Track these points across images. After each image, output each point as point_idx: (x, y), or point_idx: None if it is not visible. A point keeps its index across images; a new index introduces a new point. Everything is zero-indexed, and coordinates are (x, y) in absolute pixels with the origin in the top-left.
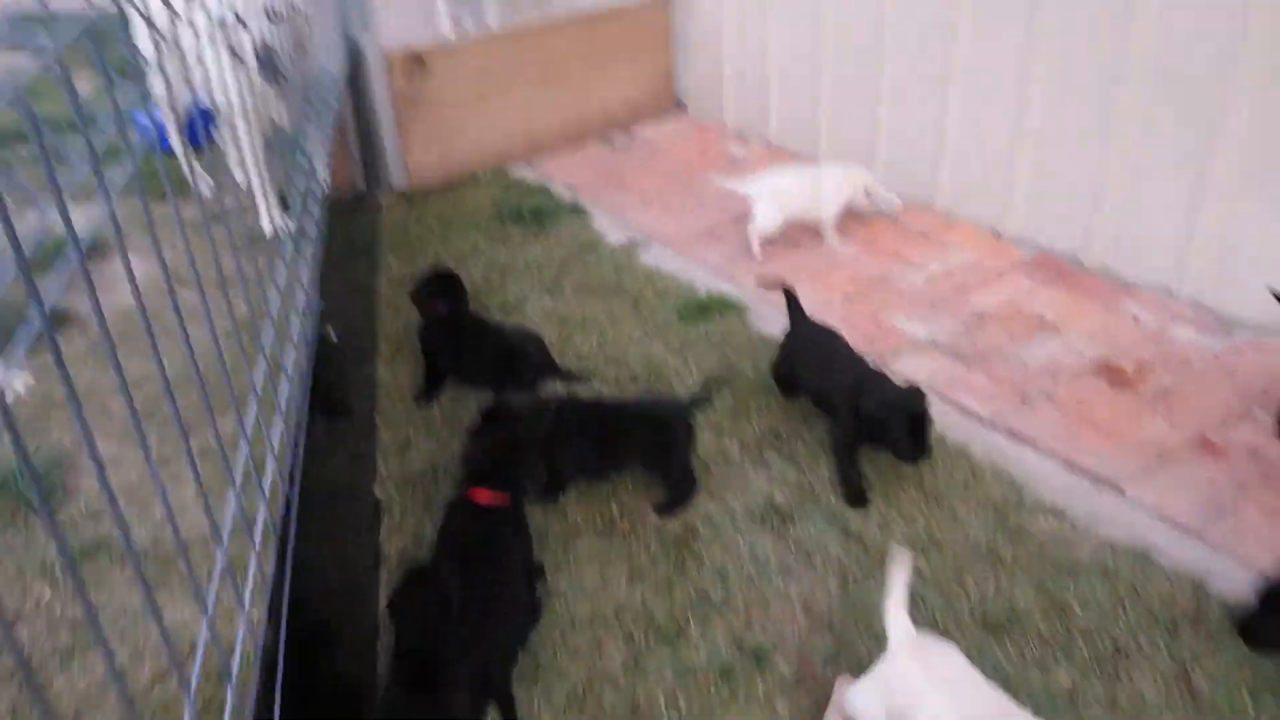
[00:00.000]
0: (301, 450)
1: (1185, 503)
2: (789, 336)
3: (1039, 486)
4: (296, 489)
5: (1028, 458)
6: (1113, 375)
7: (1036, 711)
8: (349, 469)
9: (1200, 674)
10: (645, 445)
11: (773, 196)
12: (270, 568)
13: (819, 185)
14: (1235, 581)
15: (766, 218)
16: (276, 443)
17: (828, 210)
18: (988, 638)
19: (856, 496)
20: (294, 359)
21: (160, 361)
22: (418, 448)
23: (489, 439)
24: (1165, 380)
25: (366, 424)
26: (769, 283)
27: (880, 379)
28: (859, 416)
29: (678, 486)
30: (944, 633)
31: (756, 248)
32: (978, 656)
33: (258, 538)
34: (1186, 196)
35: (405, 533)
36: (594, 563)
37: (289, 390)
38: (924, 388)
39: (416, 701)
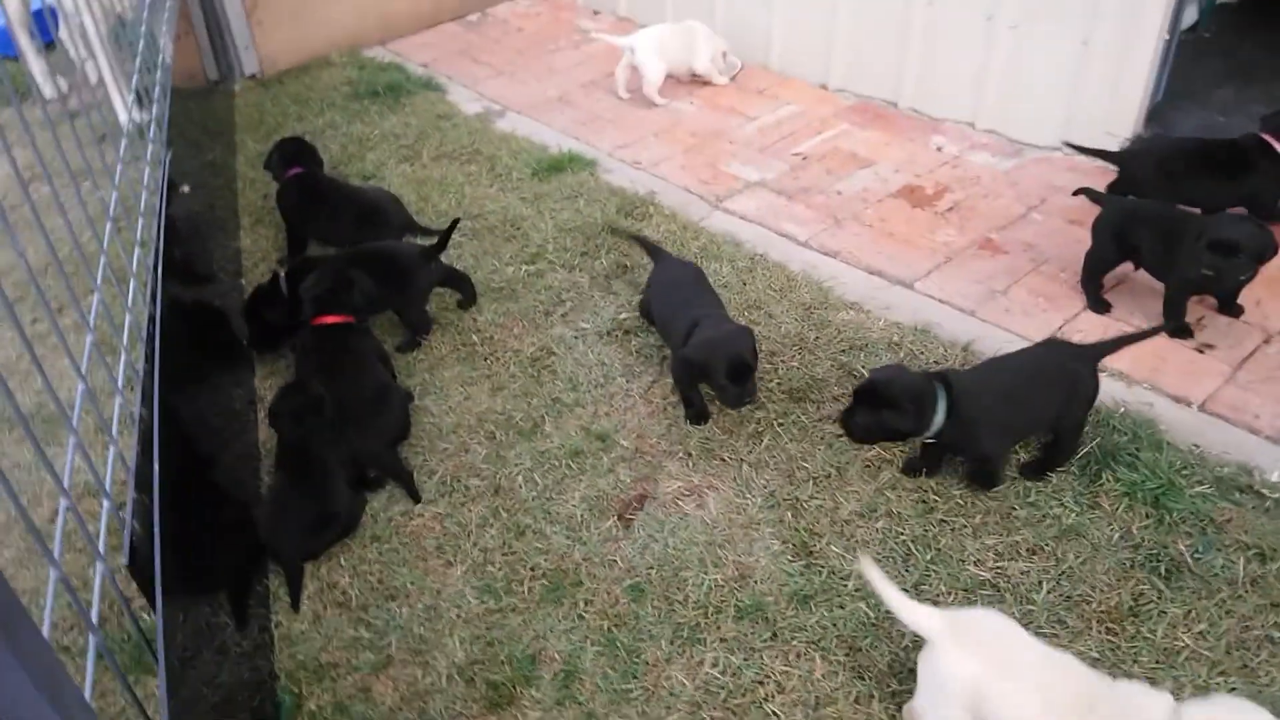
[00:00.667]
0: (159, 304)
1: (964, 290)
2: (650, 275)
3: (843, 289)
4: (157, 334)
5: (836, 268)
6: (913, 196)
7: (830, 449)
8: (217, 327)
9: None
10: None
11: (654, 48)
12: (135, 424)
13: (693, 36)
14: (999, 343)
15: (652, 68)
16: (131, 300)
17: (702, 59)
18: (792, 403)
19: (699, 417)
20: (142, 227)
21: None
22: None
23: (322, 281)
24: (958, 196)
25: (233, 287)
26: (624, 236)
27: (715, 322)
28: (686, 359)
29: (414, 327)
30: (761, 401)
31: (658, 99)
32: (784, 417)
33: (120, 383)
34: (981, 34)
35: (278, 376)
36: (459, 383)
37: (139, 255)
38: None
39: (300, 489)
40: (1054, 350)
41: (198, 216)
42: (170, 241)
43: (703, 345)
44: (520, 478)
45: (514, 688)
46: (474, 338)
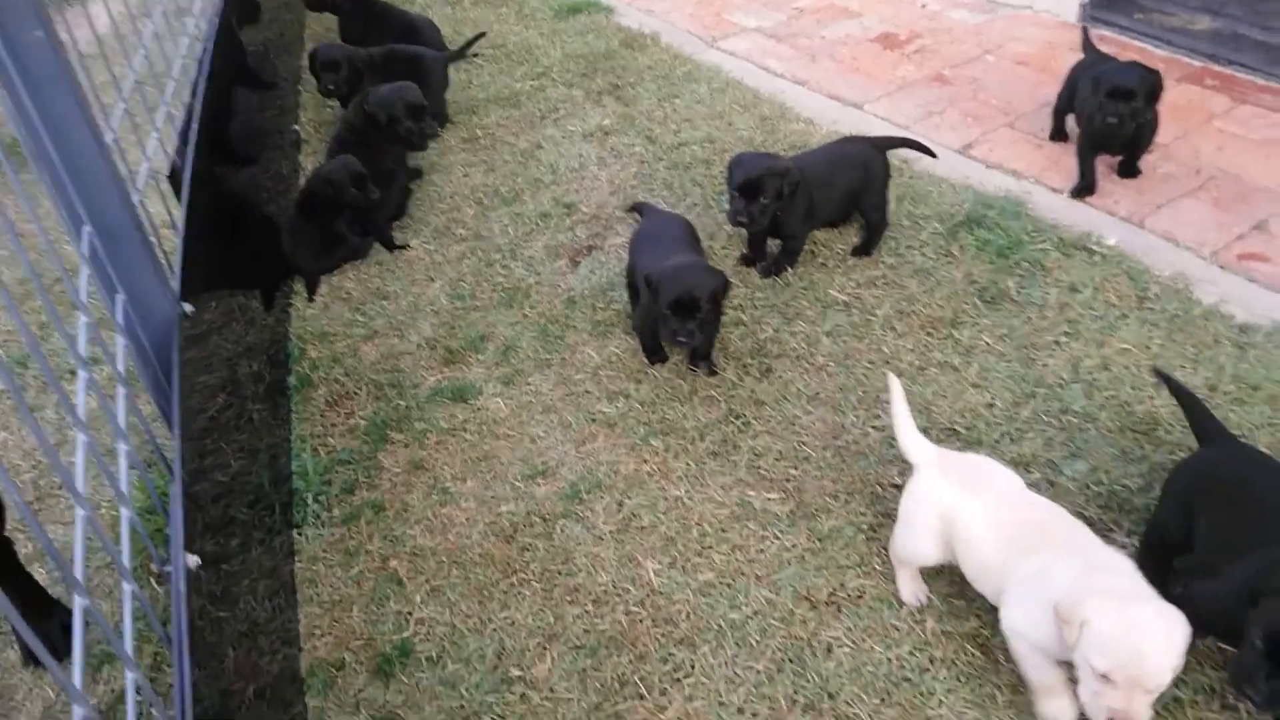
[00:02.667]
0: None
1: (906, 111)
2: (635, 230)
3: (801, 107)
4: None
5: (800, 92)
6: (886, 41)
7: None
8: (274, 115)
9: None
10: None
11: None
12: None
13: None
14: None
15: None
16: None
17: None
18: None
19: (655, 353)
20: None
21: None
22: (332, 105)
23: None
24: (926, 41)
25: (292, 91)
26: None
27: (685, 269)
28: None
29: (437, 116)
30: (703, 203)
31: None
32: (719, 195)
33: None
34: None
35: (318, 156)
36: (460, 165)
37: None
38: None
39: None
40: (851, 142)
41: (268, 41)
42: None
43: (664, 268)
44: (497, 229)
45: (465, 353)
46: (478, 133)
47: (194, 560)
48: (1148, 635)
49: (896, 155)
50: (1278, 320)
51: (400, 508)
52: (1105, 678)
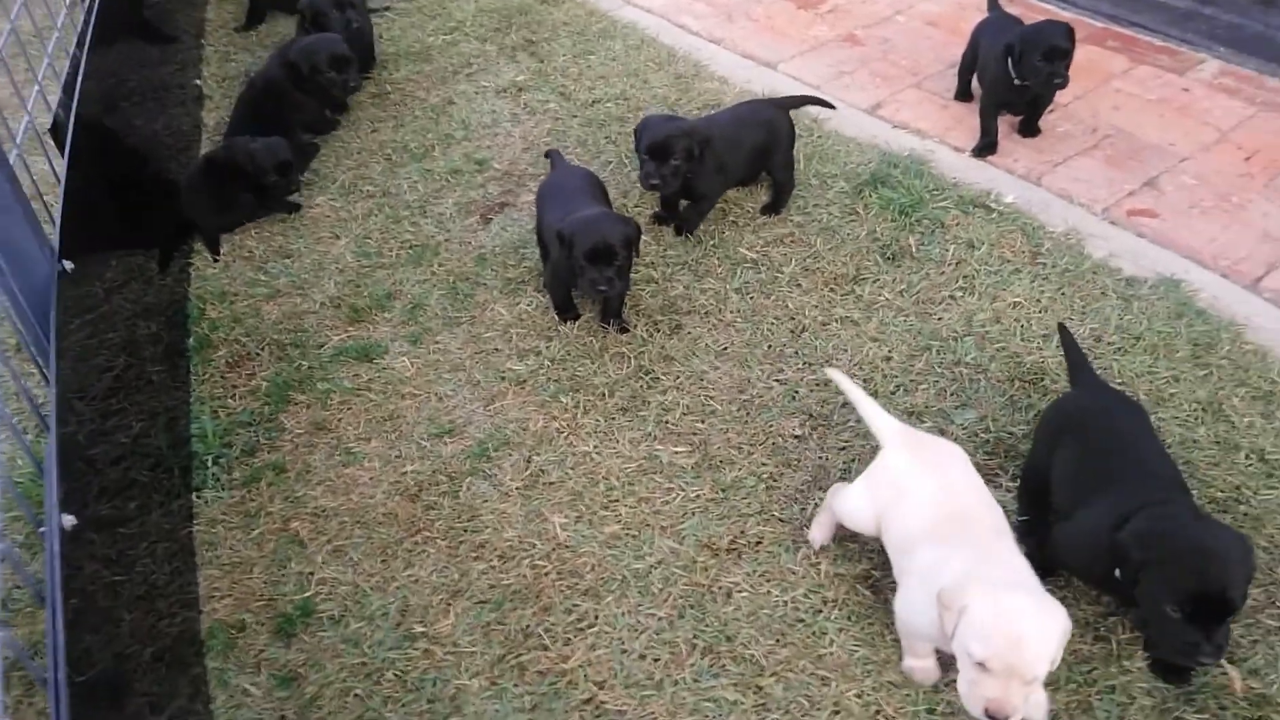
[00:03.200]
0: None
1: (818, 71)
2: (541, 184)
3: (715, 66)
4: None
5: (715, 51)
6: (802, 1)
7: None
8: (175, 70)
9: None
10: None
11: None
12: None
13: None
14: (832, 112)
15: None
16: None
17: None
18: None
19: (566, 311)
20: None
21: None
22: (237, 59)
23: None
24: (841, 2)
25: (194, 45)
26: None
27: (597, 219)
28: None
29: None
30: (617, 160)
31: None
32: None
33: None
34: None
35: (221, 111)
36: (369, 121)
37: None
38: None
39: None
40: (755, 104)
41: None
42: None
43: (575, 220)
44: (406, 186)
45: (371, 312)
46: (388, 88)
47: (70, 520)
48: (1025, 623)
49: (806, 115)
50: (1162, 273)
51: (302, 469)
52: (982, 666)
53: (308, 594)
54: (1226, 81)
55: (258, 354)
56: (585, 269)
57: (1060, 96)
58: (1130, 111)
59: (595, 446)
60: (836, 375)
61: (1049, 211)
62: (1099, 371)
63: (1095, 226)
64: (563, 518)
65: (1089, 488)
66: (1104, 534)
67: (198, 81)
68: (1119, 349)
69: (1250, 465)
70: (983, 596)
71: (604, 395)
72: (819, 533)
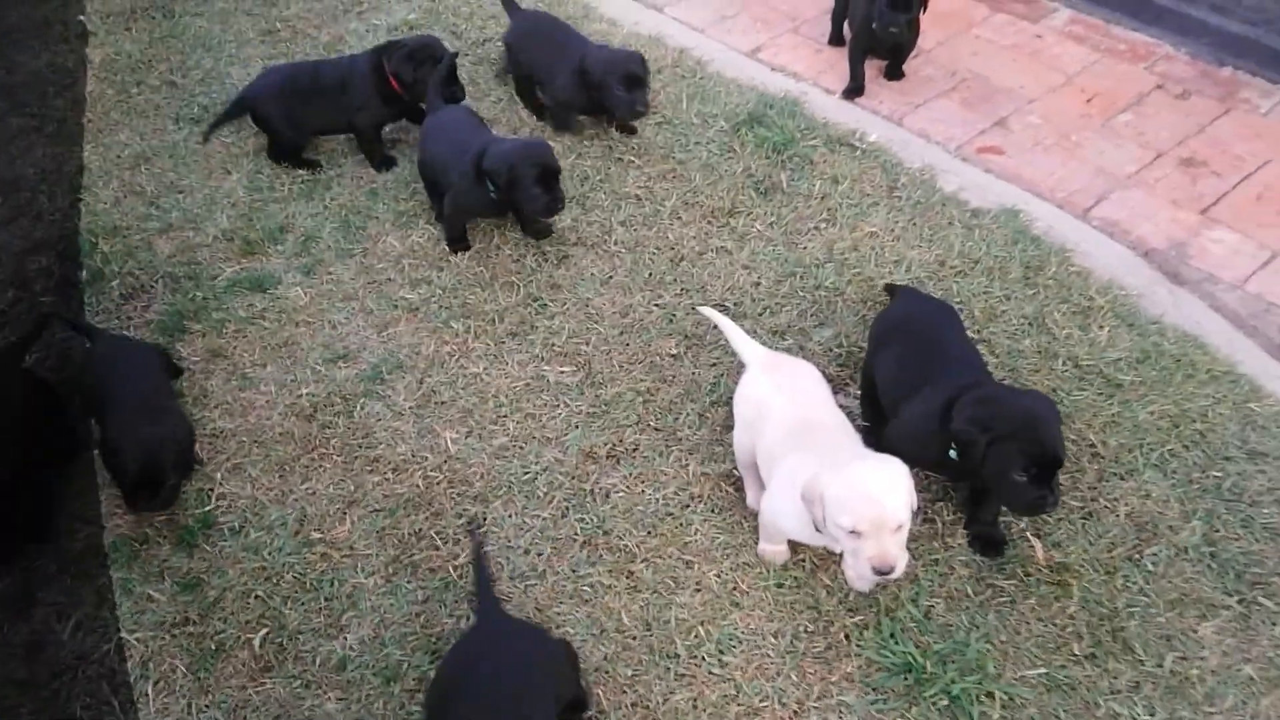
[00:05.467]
0: None
1: (701, 15)
2: (421, 128)
3: (604, 8)
4: None
5: None
6: None
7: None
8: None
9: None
10: None
11: None
12: None
13: None
14: (713, 52)
15: None
16: None
17: None
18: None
19: (458, 242)
20: None
21: None
22: None
23: None
24: None
25: None
26: None
27: (530, 145)
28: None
29: None
30: (507, 99)
31: None
32: (512, 100)
33: None
34: None
35: (106, 48)
36: (258, 59)
37: None
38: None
39: None
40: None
41: None
42: None
43: (505, 150)
44: None
45: (264, 244)
46: (278, 25)
47: None
48: (875, 481)
49: (690, 56)
50: (1004, 204)
51: (199, 393)
52: (855, 534)
53: (208, 508)
54: (1076, 29)
55: (151, 286)
56: (537, 195)
57: (924, 42)
58: (987, 57)
59: (485, 368)
60: (707, 311)
61: (908, 149)
62: (940, 293)
63: (948, 163)
64: (454, 433)
65: (909, 384)
66: (933, 421)
67: (81, 18)
68: (959, 272)
69: (1066, 371)
70: (834, 478)
71: (494, 321)
72: (751, 495)
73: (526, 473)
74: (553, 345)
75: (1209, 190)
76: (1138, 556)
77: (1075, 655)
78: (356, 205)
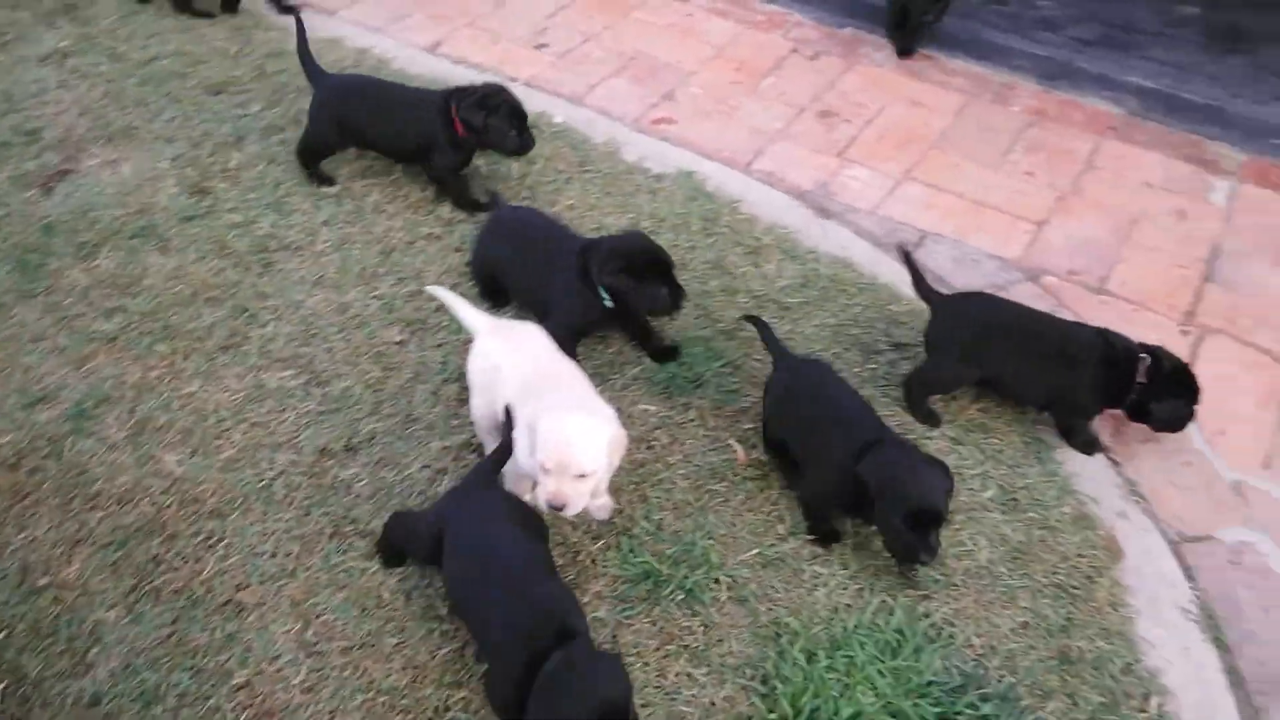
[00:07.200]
0: None
1: (378, 16)
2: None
3: (273, 15)
4: None
5: None
6: None
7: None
8: None
9: None
10: None
11: None
12: None
13: None
14: (392, 50)
15: None
16: None
17: None
18: (209, 95)
19: None
20: None
21: None
22: None
23: None
24: None
25: None
26: None
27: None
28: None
29: None
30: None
31: None
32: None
33: None
34: None
35: None
36: None
37: None
38: None
39: None
40: None
41: None
42: None
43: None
44: None
45: None
46: None
47: None
48: (574, 431)
49: (371, 55)
50: (680, 168)
51: None
52: (545, 469)
53: None
54: (720, 5)
55: None
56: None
57: (592, 25)
58: (649, 37)
59: (200, 386)
60: (433, 289)
61: (593, 127)
62: None
63: (628, 136)
64: (176, 455)
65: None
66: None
67: None
68: (650, 231)
69: (746, 302)
70: (547, 417)
71: (202, 338)
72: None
73: (261, 480)
74: (270, 353)
75: (842, 136)
76: None
77: (780, 534)
78: (31, 244)
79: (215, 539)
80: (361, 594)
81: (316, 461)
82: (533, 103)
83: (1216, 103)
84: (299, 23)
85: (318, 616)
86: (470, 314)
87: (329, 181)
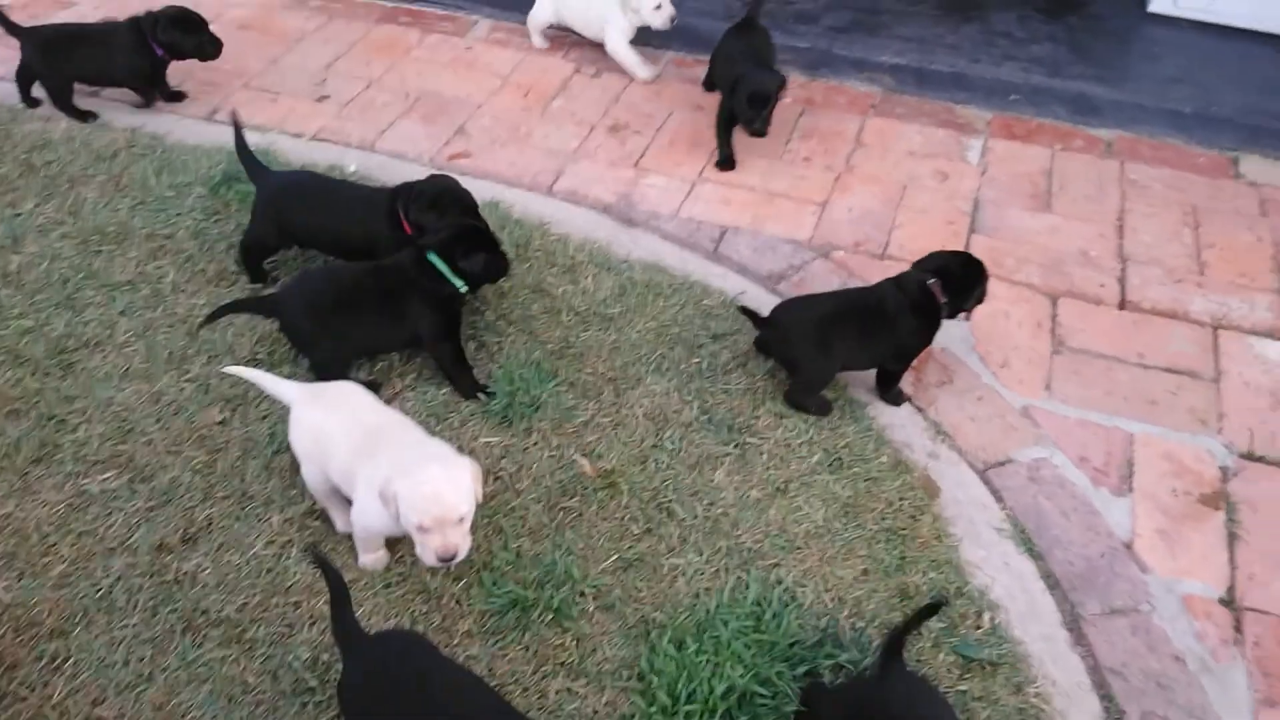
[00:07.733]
0: None
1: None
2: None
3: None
4: None
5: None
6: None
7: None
8: None
9: (140, 182)
10: None
11: None
12: None
13: None
14: (166, 125)
15: None
16: None
17: None
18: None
19: None
20: None
21: None
22: None
23: None
24: None
25: None
26: None
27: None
28: None
29: None
30: None
31: None
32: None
33: None
34: None
35: None
36: None
37: None
38: None
39: None
40: None
41: None
42: None
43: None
44: None
45: None
46: None
47: None
48: (439, 483)
49: (145, 134)
50: (485, 199)
51: None
52: (423, 529)
53: None
54: (499, 35)
55: None
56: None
57: (372, 71)
58: (432, 75)
59: (16, 505)
60: (232, 369)
61: (389, 171)
62: None
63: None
64: (3, 582)
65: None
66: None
67: None
68: None
69: (570, 320)
70: (403, 479)
71: (10, 455)
72: (339, 521)
73: (98, 590)
74: (85, 457)
75: (635, 147)
76: (659, 442)
77: (635, 535)
78: None
79: (61, 659)
80: (226, 683)
81: (155, 559)
82: (323, 156)
83: (959, 70)
84: (236, 124)
85: (184, 716)
86: (278, 385)
87: (266, 278)
